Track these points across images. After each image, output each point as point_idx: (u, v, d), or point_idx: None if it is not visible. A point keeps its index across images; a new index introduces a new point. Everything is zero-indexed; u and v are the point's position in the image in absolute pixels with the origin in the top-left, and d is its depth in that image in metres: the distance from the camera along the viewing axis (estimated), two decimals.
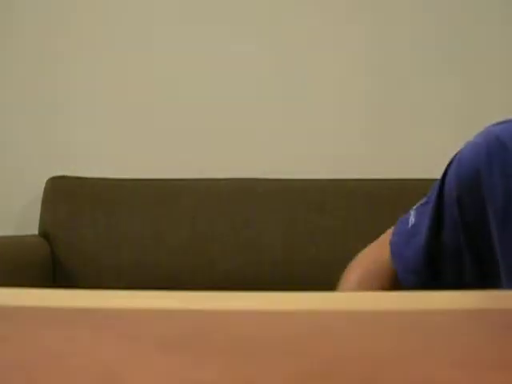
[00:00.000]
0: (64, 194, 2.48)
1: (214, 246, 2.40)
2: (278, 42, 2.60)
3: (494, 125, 0.89)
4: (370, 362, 0.28)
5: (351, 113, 2.56)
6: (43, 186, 2.51)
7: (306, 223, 2.39)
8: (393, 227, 0.99)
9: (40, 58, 2.63)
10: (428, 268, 0.92)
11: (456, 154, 0.91)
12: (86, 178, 2.50)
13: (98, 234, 2.42)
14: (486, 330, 0.33)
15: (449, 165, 0.92)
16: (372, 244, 1.02)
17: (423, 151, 2.50)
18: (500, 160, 0.85)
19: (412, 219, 0.94)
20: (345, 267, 0.99)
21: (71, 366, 0.27)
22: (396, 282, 0.94)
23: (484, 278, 0.89)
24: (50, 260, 2.40)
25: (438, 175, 0.92)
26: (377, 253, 0.98)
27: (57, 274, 2.41)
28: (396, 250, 0.95)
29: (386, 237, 0.98)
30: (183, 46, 2.62)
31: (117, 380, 0.25)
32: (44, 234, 2.45)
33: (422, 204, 0.95)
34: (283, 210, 2.41)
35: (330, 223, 2.38)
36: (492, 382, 0.25)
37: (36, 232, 2.49)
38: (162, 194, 2.46)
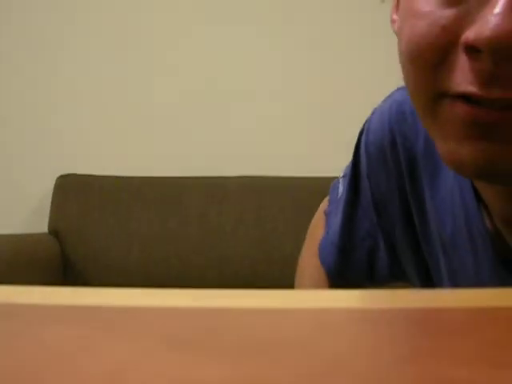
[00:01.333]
0: (73, 191, 2.48)
1: (223, 244, 2.40)
2: (278, 42, 2.59)
3: (399, 88, 0.77)
4: (379, 361, 0.28)
5: (354, 111, 2.56)
6: (53, 184, 2.51)
7: None
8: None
9: (47, 57, 2.64)
10: (344, 244, 0.83)
11: (365, 122, 0.82)
12: (96, 176, 2.50)
13: (108, 231, 2.43)
14: (497, 328, 0.33)
15: (360, 134, 0.82)
16: (316, 218, 0.95)
17: None
18: (401, 132, 0.74)
19: (340, 188, 0.87)
20: None
21: (81, 365, 0.27)
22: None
23: (397, 267, 0.79)
24: (59, 258, 2.40)
25: None
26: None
27: (66, 272, 2.41)
28: (327, 222, 0.89)
29: (324, 206, 0.92)
30: (187, 46, 2.62)
31: (128, 378, 0.25)
32: (54, 231, 2.46)
33: (346, 173, 0.86)
34: (293, 207, 2.41)
35: None
36: (501, 381, 0.25)
37: (46, 230, 2.49)
38: (171, 192, 2.46)
